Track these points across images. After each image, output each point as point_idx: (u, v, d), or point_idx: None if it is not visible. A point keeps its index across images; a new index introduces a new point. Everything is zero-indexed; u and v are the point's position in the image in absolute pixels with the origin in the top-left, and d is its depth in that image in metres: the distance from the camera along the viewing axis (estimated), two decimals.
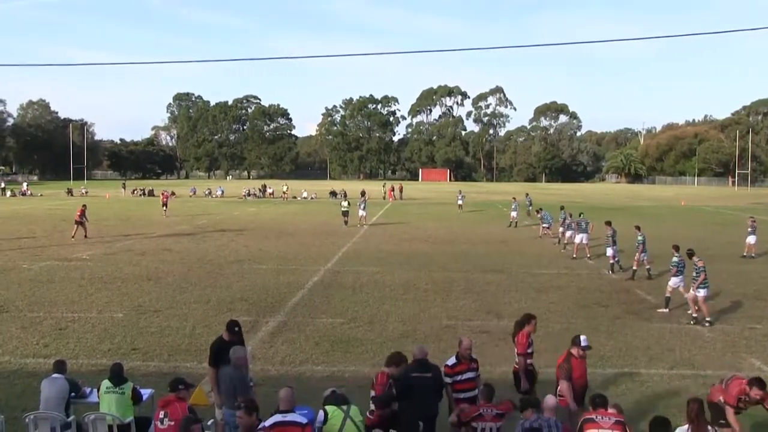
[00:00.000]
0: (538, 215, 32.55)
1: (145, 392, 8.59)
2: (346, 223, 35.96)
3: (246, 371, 8.08)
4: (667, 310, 15.65)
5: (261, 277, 19.76)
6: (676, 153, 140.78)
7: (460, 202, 50.32)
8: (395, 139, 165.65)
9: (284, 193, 67.80)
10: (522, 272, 21.04)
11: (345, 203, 37.80)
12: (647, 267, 20.41)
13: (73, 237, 28.62)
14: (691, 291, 14.88)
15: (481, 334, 13.26)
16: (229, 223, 38.41)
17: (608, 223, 22.43)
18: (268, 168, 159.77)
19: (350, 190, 60.71)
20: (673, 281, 15.90)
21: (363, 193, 45.00)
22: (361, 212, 37.70)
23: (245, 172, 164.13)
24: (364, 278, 19.59)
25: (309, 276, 19.81)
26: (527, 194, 44.63)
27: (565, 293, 17.81)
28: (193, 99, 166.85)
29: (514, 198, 41.17)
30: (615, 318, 15.10)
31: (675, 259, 16.00)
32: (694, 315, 14.67)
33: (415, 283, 18.86)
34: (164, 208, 42.50)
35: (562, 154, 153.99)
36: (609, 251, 21.64)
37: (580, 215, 26.50)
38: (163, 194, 46.67)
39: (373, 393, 7.62)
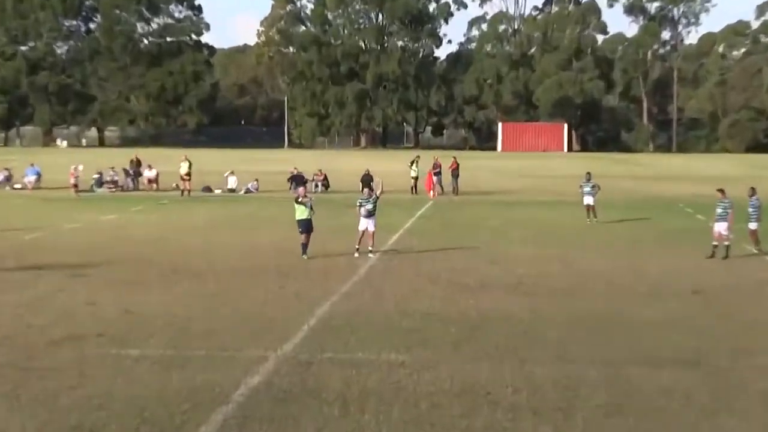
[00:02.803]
0: None
1: None
2: (305, 248, 17.11)
3: None
4: None
5: (127, 379, 8.76)
6: None
7: (588, 199, 24.43)
8: (440, 55, 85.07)
9: (183, 178, 33.41)
10: (742, 367, 9.70)
11: (305, 206, 17.32)
12: None
13: None
14: None
15: None
16: (56, 249, 18.83)
17: None
18: (152, 120, 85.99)
19: (337, 171, 36.58)
20: None
21: (369, 181, 24.92)
22: (364, 223, 17.70)
23: (96, 131, 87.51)
24: (369, 380, 8.73)
25: (239, 374, 8.85)
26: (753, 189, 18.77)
27: None
28: None
29: (721, 191, 18.72)
30: None
31: None
32: None
33: (491, 394, 8.26)
34: None
35: None
36: None
37: None
38: None
39: None
